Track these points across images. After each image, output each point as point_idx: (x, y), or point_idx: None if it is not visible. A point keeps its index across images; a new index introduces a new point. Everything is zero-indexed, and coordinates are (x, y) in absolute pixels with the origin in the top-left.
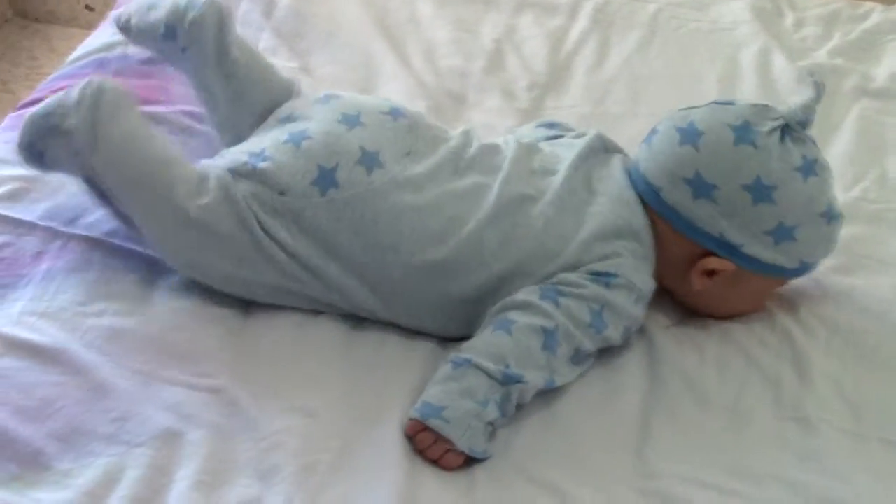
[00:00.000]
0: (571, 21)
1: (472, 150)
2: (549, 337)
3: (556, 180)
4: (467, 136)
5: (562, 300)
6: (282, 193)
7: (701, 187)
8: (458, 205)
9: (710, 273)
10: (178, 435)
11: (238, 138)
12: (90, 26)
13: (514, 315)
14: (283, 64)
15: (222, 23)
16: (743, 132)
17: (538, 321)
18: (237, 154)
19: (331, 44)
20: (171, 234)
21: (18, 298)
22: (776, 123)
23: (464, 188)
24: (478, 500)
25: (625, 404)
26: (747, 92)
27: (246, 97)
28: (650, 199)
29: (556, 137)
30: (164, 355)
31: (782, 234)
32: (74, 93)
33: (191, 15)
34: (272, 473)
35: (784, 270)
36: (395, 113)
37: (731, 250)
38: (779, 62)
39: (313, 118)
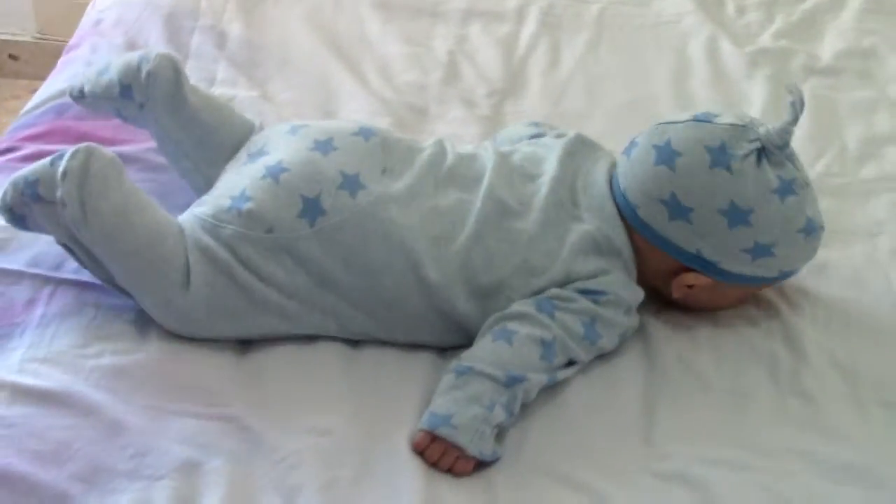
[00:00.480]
0: (519, 27)
1: (450, 160)
2: (546, 348)
3: (541, 192)
4: (440, 146)
5: (557, 313)
6: (269, 231)
7: (676, 209)
8: (443, 224)
9: (690, 285)
10: (198, 465)
11: (208, 182)
12: (16, 75)
13: (513, 325)
14: (243, 94)
15: (176, 73)
16: (719, 155)
17: (537, 332)
18: (218, 199)
19: (287, 70)
20: (160, 308)
21: (17, 347)
22: (753, 146)
23: (447, 206)
24: (500, 501)
25: (627, 393)
26: (700, 82)
27: (209, 141)
28: (628, 214)
29: (538, 136)
30: (171, 389)
31: (760, 251)
32: (62, 164)
33: (145, 69)
34: (295, 493)
35: (764, 279)
36: (364, 133)
37: (707, 266)
38: (727, 49)
39: (286, 149)
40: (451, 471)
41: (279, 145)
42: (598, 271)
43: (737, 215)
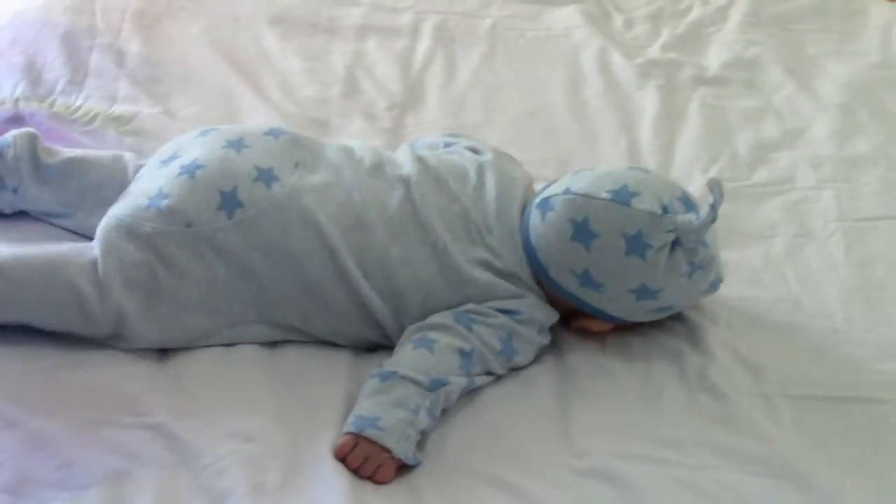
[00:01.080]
0: (415, 42)
1: (365, 155)
2: (465, 358)
3: (455, 208)
4: (349, 146)
5: (474, 326)
6: (188, 226)
7: (588, 281)
8: (359, 214)
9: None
10: (125, 473)
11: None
12: None
13: (433, 335)
14: (146, 110)
15: (32, 145)
16: (634, 244)
17: (457, 342)
18: (135, 199)
19: (188, 85)
20: (89, 330)
21: None
22: (668, 238)
23: (363, 197)
24: (425, 502)
25: (541, 393)
26: (594, 92)
27: (85, 188)
28: (538, 269)
29: (450, 145)
30: (94, 400)
31: (662, 310)
32: None
33: (10, 154)
34: (224, 498)
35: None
36: (274, 132)
37: (610, 318)
38: (617, 61)
39: (199, 150)
40: (371, 478)
41: (191, 147)
42: (515, 294)
43: (646, 293)
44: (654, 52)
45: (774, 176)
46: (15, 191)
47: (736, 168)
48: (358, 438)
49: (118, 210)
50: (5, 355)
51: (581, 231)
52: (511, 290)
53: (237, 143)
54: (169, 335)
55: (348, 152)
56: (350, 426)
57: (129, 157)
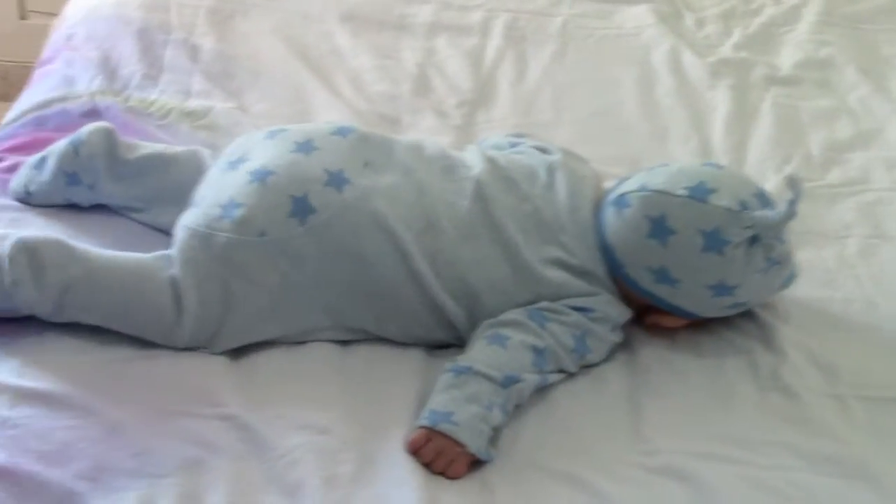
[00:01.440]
0: (485, 39)
1: (435, 153)
2: (538, 355)
3: (526, 208)
4: (419, 142)
5: (547, 324)
6: (262, 235)
7: (664, 278)
8: (430, 216)
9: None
10: (201, 463)
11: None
12: None
13: (507, 331)
14: (219, 105)
15: (109, 141)
16: (712, 241)
17: (530, 339)
18: (208, 208)
19: (260, 81)
20: (162, 341)
21: (16, 352)
22: (746, 234)
23: (433, 199)
24: (498, 497)
25: (612, 390)
26: (665, 91)
27: (163, 187)
28: (613, 266)
29: (517, 145)
30: (170, 392)
31: (737, 306)
32: (6, 276)
33: (84, 152)
34: (297, 489)
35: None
36: (342, 131)
37: (686, 314)
38: (689, 60)
39: (267, 154)
40: (444, 473)
41: (259, 151)
42: (587, 291)
43: (723, 289)
44: (725, 51)
45: (848, 177)
46: (91, 187)
47: (809, 168)
48: (431, 433)
49: (192, 220)
50: (82, 347)
51: (658, 228)
52: (585, 287)
53: (306, 146)
54: (242, 341)
55: (418, 151)
56: (423, 420)
57: (205, 153)
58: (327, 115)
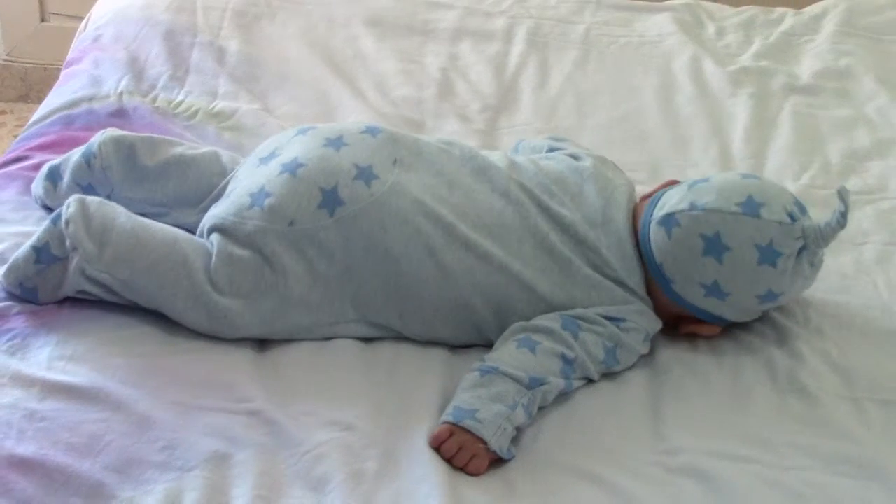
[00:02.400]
0: (508, 45)
1: (464, 153)
2: (566, 364)
3: (557, 216)
4: (449, 142)
5: (581, 334)
6: (291, 224)
7: (715, 292)
8: (461, 215)
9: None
10: (227, 456)
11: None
12: None
13: (538, 337)
14: (245, 107)
15: (127, 148)
16: (767, 254)
17: (560, 348)
18: (237, 199)
19: (286, 84)
20: (189, 310)
21: (44, 345)
22: (797, 245)
23: (462, 201)
24: (518, 494)
25: (633, 391)
26: (686, 99)
27: (184, 189)
28: (661, 282)
29: (553, 150)
30: (196, 386)
31: (772, 306)
32: (62, 219)
33: (97, 164)
34: (323, 484)
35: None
36: (372, 130)
37: (723, 322)
38: (709, 68)
39: (299, 148)
40: (465, 468)
41: (290, 146)
42: (621, 299)
43: (770, 297)
44: (746, 60)
45: (866, 184)
46: (108, 197)
47: (828, 176)
48: (454, 428)
49: (222, 209)
50: (109, 341)
51: (713, 245)
52: (619, 295)
53: (336, 142)
54: (270, 328)
55: (447, 151)
56: (448, 416)
57: (226, 156)
58: (352, 118)
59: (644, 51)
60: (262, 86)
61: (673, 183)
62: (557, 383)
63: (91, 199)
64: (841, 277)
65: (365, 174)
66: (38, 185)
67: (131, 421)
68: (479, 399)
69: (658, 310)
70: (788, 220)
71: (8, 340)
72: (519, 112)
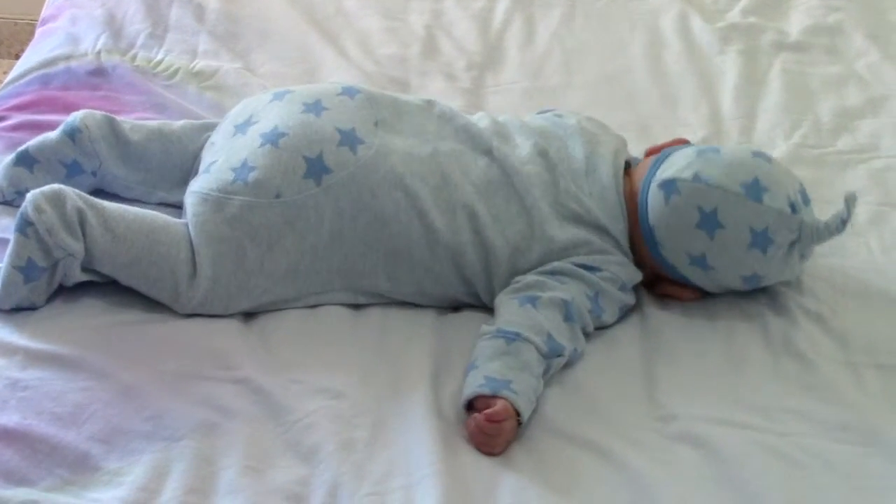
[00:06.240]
0: (493, 2)
1: (443, 112)
2: (568, 308)
3: (541, 166)
4: (429, 102)
5: (565, 280)
6: (278, 196)
7: (699, 263)
8: (445, 172)
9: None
10: (215, 426)
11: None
12: None
13: (534, 292)
14: (227, 65)
15: (111, 124)
16: (759, 239)
17: (558, 294)
18: (219, 173)
19: (267, 42)
20: (173, 301)
21: (27, 313)
22: (792, 237)
23: (447, 155)
24: (514, 460)
25: (626, 355)
26: (674, 56)
27: (169, 165)
28: (649, 243)
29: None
30: (183, 355)
31: (756, 286)
32: (37, 226)
33: (85, 138)
34: (313, 453)
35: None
36: (349, 91)
37: (703, 291)
38: (697, 25)
39: (277, 116)
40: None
41: (267, 113)
42: (598, 249)
43: (754, 279)
44: (734, 16)
45: (858, 143)
46: (94, 173)
47: (819, 135)
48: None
49: (203, 184)
50: (94, 309)
51: (708, 220)
52: (596, 244)
53: (315, 107)
54: (257, 301)
55: (426, 110)
56: (483, 387)
57: (202, 127)
58: (335, 76)
59: (631, 7)
60: (243, 44)
61: (681, 142)
62: (569, 352)
63: (64, 193)
64: (834, 239)
65: (349, 139)
66: (2, 176)
67: (116, 390)
68: (511, 369)
69: (640, 264)
70: (789, 210)
71: None
72: (505, 70)
